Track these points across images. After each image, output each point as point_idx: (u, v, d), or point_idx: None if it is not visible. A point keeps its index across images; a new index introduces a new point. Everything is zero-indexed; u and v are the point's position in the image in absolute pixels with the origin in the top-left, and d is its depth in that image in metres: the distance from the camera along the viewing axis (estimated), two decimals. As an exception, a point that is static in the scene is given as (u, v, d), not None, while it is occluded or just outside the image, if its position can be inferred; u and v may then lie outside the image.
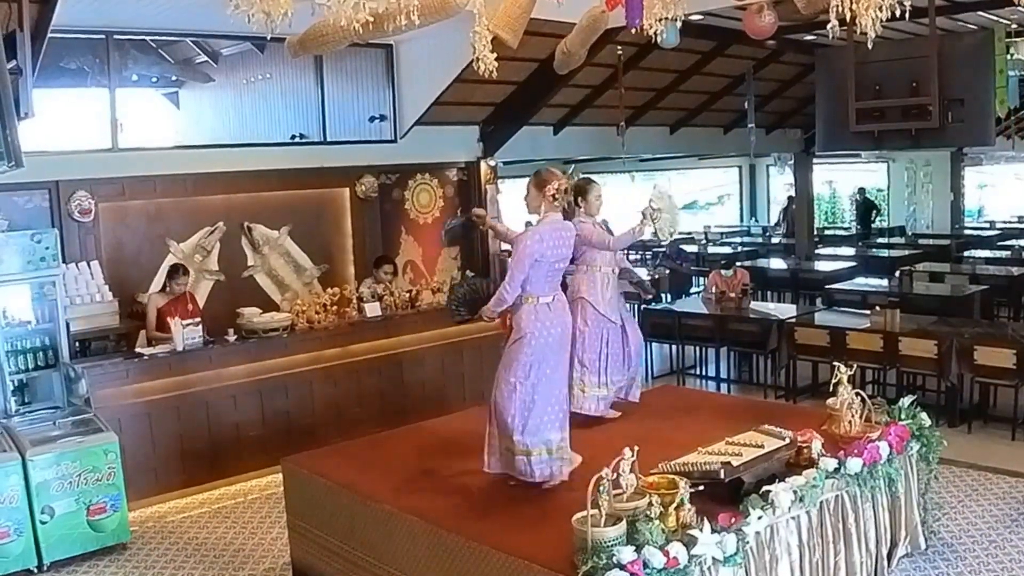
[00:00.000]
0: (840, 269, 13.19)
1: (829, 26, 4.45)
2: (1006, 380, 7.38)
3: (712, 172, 22.52)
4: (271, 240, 8.94)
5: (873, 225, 19.34)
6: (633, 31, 5.38)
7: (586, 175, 6.11)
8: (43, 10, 5.47)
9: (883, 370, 8.26)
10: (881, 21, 4.10)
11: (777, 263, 14.68)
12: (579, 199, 5.75)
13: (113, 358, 6.96)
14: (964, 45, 9.10)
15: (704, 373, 9.86)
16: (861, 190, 20.08)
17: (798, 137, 15.26)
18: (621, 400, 6.07)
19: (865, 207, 19.63)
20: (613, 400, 6.01)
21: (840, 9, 4.34)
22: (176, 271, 7.47)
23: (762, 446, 4.44)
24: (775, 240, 18.61)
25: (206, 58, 11.30)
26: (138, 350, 7.07)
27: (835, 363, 5.22)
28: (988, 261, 13.83)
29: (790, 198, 19.72)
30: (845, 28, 4.49)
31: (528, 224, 5.13)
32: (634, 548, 3.54)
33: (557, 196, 4.78)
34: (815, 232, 16.98)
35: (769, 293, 13.60)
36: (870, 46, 4.50)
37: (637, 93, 11.32)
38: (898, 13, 4.20)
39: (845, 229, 20.45)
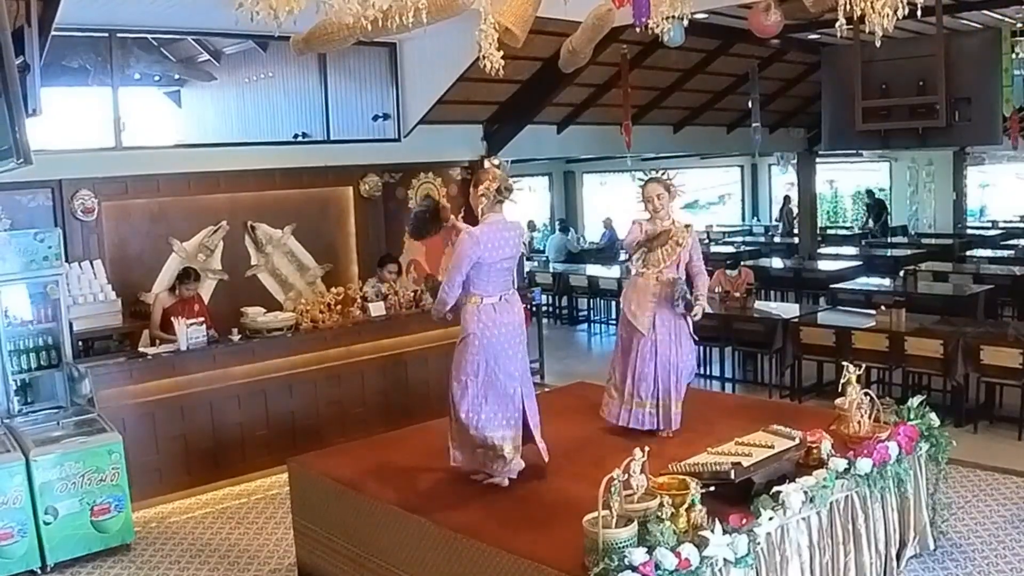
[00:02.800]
0: (843, 268, 13.18)
1: (837, 24, 4.42)
2: (1012, 380, 7.37)
3: (713, 171, 22.46)
4: (274, 239, 8.91)
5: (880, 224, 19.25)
6: (639, 29, 5.35)
7: (654, 174, 5.55)
8: (47, 7, 5.44)
9: (888, 370, 8.23)
10: (897, 20, 4.07)
11: (780, 262, 14.65)
12: None
13: (117, 358, 6.94)
14: (971, 44, 9.08)
15: (709, 373, 9.82)
16: (870, 192, 20.01)
17: (801, 136, 15.24)
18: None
19: (878, 208, 19.51)
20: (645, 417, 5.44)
21: (848, 7, 4.31)
22: (187, 276, 7.44)
23: (772, 446, 4.42)
24: (777, 239, 18.58)
25: (208, 57, 11.27)
26: (142, 349, 7.05)
27: (843, 363, 5.18)
28: (991, 260, 13.79)
29: (787, 197, 19.67)
30: (852, 27, 4.46)
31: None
32: (646, 549, 3.52)
33: (487, 195, 4.64)
34: (818, 231, 16.95)
35: (772, 292, 13.57)
36: (878, 44, 4.48)
37: (641, 92, 11.29)
38: (906, 12, 4.17)
39: (847, 229, 20.40)
